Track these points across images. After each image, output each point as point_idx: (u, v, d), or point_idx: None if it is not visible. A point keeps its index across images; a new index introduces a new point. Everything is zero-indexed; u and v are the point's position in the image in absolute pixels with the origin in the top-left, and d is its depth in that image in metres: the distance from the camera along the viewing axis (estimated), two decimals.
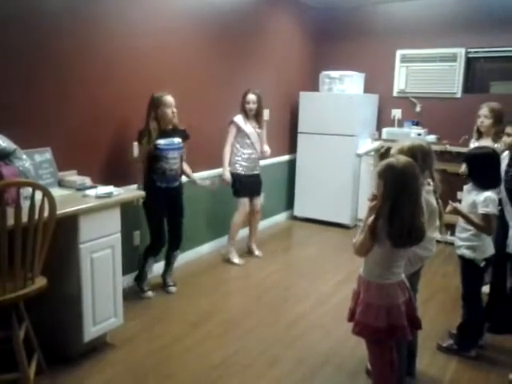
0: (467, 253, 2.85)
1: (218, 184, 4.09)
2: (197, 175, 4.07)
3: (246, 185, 4.44)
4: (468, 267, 2.89)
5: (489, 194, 2.73)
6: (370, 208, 2.20)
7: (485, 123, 3.76)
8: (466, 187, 2.96)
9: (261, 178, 4.60)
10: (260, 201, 4.68)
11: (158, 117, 3.50)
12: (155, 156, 3.53)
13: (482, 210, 2.72)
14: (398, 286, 2.22)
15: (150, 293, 3.75)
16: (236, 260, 4.53)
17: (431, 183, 2.51)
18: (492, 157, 2.85)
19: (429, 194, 2.47)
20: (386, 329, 2.17)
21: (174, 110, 3.54)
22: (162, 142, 3.52)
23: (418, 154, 2.41)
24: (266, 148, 4.58)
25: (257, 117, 4.41)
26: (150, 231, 3.71)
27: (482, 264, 2.86)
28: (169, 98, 3.51)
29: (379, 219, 2.09)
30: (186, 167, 3.82)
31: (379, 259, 2.18)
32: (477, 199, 2.76)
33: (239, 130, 4.35)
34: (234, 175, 4.41)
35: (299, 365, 2.88)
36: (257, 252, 4.73)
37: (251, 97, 4.32)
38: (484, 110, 3.77)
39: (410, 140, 2.61)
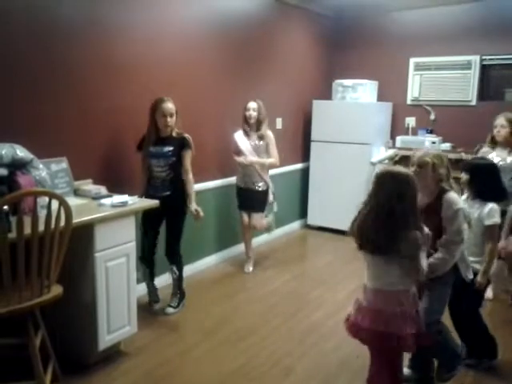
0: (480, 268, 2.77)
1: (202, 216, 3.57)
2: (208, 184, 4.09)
3: (240, 198, 4.44)
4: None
5: (492, 204, 2.73)
6: None
7: (501, 133, 3.74)
8: (464, 201, 2.85)
9: (260, 195, 4.37)
10: (256, 219, 4.42)
11: (155, 123, 3.41)
12: (148, 163, 3.50)
13: (489, 221, 2.71)
14: (406, 293, 2.19)
15: (154, 305, 3.68)
16: (245, 268, 4.55)
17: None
18: (495, 168, 2.86)
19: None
20: (393, 337, 2.14)
21: (169, 119, 3.36)
22: (152, 149, 3.45)
23: (447, 163, 2.52)
24: (269, 161, 4.33)
25: (258, 126, 4.28)
26: (141, 235, 3.57)
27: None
28: (167, 106, 3.35)
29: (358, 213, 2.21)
30: (187, 184, 3.49)
31: (371, 268, 2.25)
32: (481, 212, 2.73)
33: (236, 146, 4.31)
34: (235, 187, 4.46)
35: (313, 375, 2.86)
36: (246, 268, 4.55)
37: (251, 104, 4.25)
38: (501, 120, 3.76)
39: (434, 151, 2.68)
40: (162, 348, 3.12)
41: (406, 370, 2.74)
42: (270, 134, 4.37)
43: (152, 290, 3.72)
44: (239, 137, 4.31)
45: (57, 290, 2.43)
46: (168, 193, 3.46)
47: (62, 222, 2.33)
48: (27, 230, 2.19)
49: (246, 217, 4.46)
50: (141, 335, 3.15)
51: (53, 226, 2.28)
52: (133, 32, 3.61)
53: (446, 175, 2.49)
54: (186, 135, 3.49)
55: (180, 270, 3.66)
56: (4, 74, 2.86)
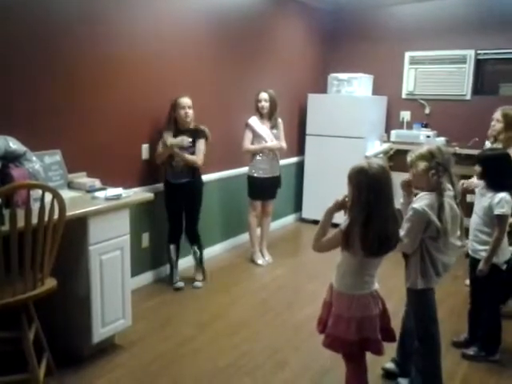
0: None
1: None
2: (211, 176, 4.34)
3: (261, 188, 4.44)
4: (489, 271, 2.80)
5: (503, 194, 2.73)
6: (337, 204, 2.14)
7: (496, 127, 3.71)
8: (478, 190, 2.94)
9: (280, 180, 4.56)
10: (272, 204, 4.63)
11: (174, 118, 3.72)
12: (170, 154, 3.74)
13: (497, 211, 2.71)
14: (370, 296, 2.15)
15: (179, 283, 3.94)
16: (259, 261, 4.58)
17: (451, 189, 2.42)
18: (506, 158, 2.84)
19: (451, 200, 2.39)
20: (357, 342, 2.11)
21: (188, 110, 3.70)
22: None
23: (437, 155, 2.36)
24: (282, 144, 4.50)
25: (271, 116, 4.38)
26: (168, 220, 3.94)
27: (504, 267, 2.83)
28: (183, 100, 3.70)
29: (354, 227, 2.01)
30: (192, 160, 3.78)
31: (352, 268, 2.12)
32: (492, 201, 2.75)
33: (254, 132, 4.34)
34: (251, 178, 4.43)
35: (307, 368, 2.87)
36: (266, 257, 4.67)
37: (263, 95, 4.33)
38: (497, 114, 3.71)
39: (428, 145, 2.56)
40: (157, 341, 3.12)
41: (389, 364, 2.77)
42: (280, 121, 4.53)
43: (175, 269, 3.99)
44: (256, 123, 4.35)
45: (51, 283, 2.42)
46: (187, 179, 3.80)
47: (56, 215, 2.32)
48: (20, 223, 2.17)
49: (260, 205, 4.53)
50: (135, 328, 3.15)
51: (46, 219, 2.26)
52: (131, 27, 3.58)
53: (427, 169, 2.36)
54: (203, 127, 3.83)
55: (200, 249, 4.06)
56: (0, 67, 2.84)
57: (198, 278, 4.04)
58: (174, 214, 3.92)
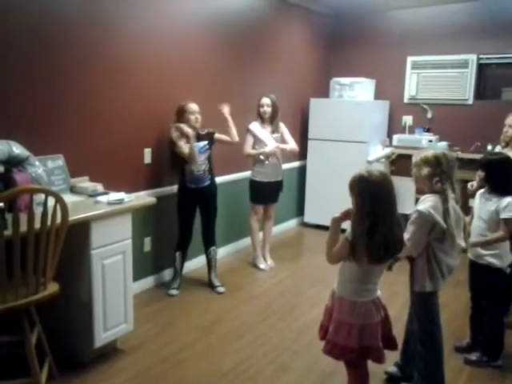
0: (495, 261, 2.80)
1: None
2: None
3: (262, 192, 4.44)
4: (494, 276, 2.81)
5: (511, 199, 2.73)
6: (344, 213, 2.13)
7: (508, 133, 3.66)
8: (481, 194, 2.92)
9: (282, 184, 4.56)
10: (274, 208, 4.63)
11: (183, 123, 3.74)
12: (184, 159, 3.75)
13: (505, 215, 2.71)
14: (372, 304, 2.14)
15: (173, 291, 3.88)
16: (262, 265, 4.58)
17: (452, 193, 2.41)
18: (509, 162, 2.84)
19: (453, 201, 2.39)
20: (357, 350, 2.10)
21: (198, 116, 3.77)
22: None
23: (443, 162, 2.36)
24: (289, 146, 4.47)
25: (272, 120, 4.39)
26: (178, 227, 3.92)
27: (508, 270, 2.83)
28: (192, 106, 3.76)
29: (360, 236, 1.99)
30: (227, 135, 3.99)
31: (355, 275, 2.11)
32: (498, 206, 2.75)
33: (255, 137, 4.35)
34: (253, 182, 4.44)
35: (309, 373, 2.87)
36: (269, 262, 4.66)
37: (265, 100, 4.35)
38: (509, 120, 3.67)
39: (432, 150, 2.55)
40: (159, 346, 3.11)
41: (392, 368, 2.76)
42: (282, 124, 4.54)
43: (179, 276, 3.96)
44: (257, 128, 4.37)
45: (53, 287, 2.43)
46: (208, 182, 3.88)
47: (58, 220, 2.33)
48: (23, 228, 2.18)
49: (261, 209, 4.53)
50: (137, 333, 3.15)
51: (49, 223, 2.27)
52: (131, 29, 3.59)
53: (431, 175, 2.37)
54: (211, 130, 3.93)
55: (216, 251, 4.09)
56: (1, 71, 2.84)
57: (217, 282, 4.02)
58: (188, 220, 3.91)
